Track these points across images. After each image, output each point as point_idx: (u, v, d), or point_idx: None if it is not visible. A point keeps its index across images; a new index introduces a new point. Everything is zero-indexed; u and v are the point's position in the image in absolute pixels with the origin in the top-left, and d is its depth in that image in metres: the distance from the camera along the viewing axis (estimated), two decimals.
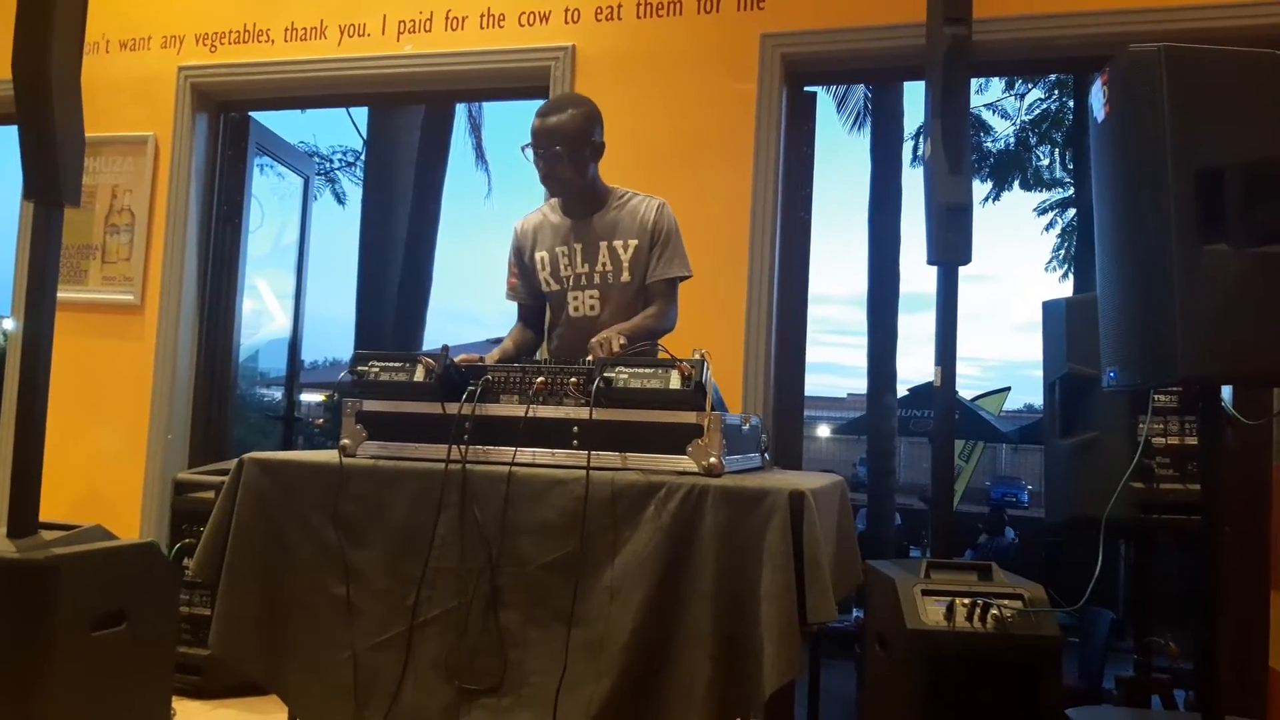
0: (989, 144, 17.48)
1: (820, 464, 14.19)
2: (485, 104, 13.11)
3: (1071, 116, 15.34)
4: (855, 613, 5.69)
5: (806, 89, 3.78)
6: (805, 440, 4.26)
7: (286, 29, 4.12)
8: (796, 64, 3.61)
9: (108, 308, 4.23)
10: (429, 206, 10.64)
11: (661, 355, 2.12)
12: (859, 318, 12.57)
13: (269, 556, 2.12)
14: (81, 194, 2.56)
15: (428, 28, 3.96)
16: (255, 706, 3.30)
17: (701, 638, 1.81)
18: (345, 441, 2.15)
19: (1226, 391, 2.34)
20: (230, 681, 3.33)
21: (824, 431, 25.39)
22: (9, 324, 4.98)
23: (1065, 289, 17.25)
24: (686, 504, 1.85)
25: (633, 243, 2.63)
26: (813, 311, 3.77)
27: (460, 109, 12.45)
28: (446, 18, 3.93)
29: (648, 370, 1.92)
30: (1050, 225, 18.73)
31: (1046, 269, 18.86)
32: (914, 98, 18.65)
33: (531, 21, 3.82)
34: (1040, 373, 3.09)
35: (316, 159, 16.16)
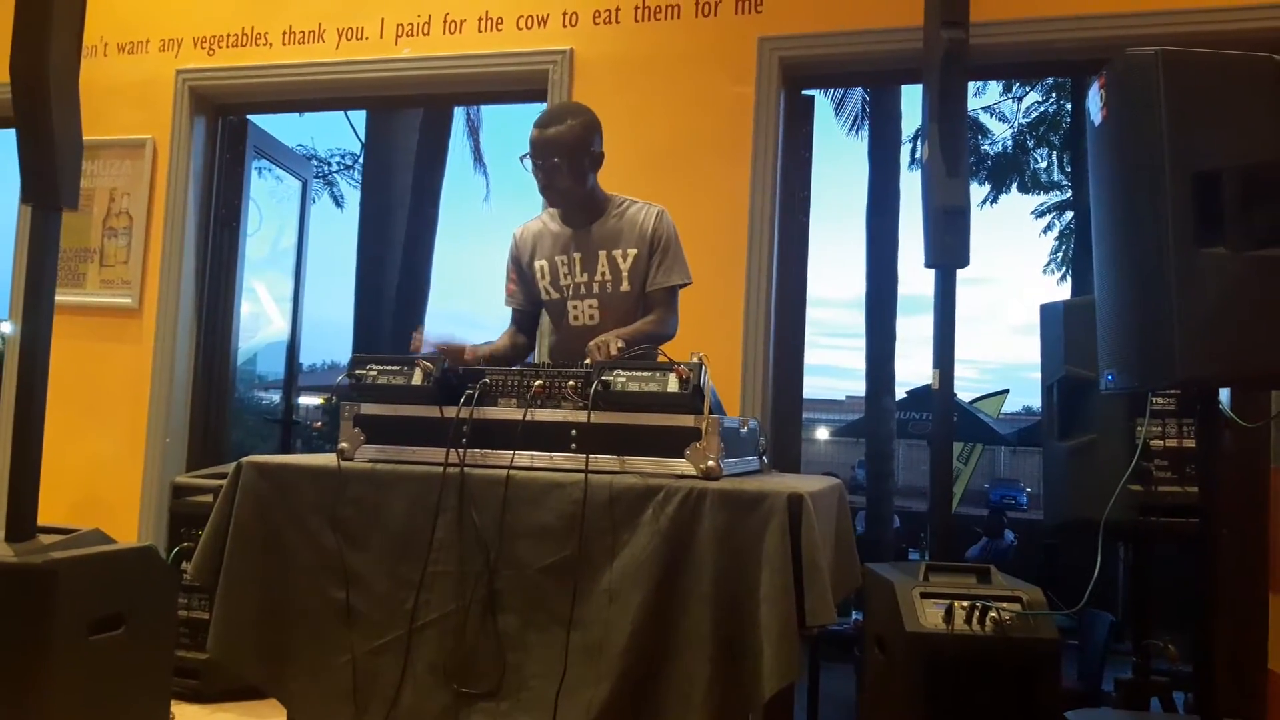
0: (987, 147, 17.51)
1: (819, 466, 14.21)
2: (483, 107, 13.11)
3: (1069, 119, 15.37)
4: (854, 615, 5.69)
5: (804, 92, 3.78)
6: (804, 443, 4.26)
7: (284, 32, 4.13)
8: (794, 67, 3.62)
9: (105, 311, 4.22)
10: (427, 210, 10.64)
11: (659, 358, 2.12)
12: (857, 320, 12.62)
13: (267, 560, 2.12)
14: (79, 197, 2.56)
15: (426, 31, 3.96)
16: (253, 710, 3.30)
17: (700, 641, 1.81)
18: (343, 445, 2.15)
19: (1224, 394, 2.34)
20: (228, 685, 3.32)
21: (822, 434, 25.40)
22: (7, 327, 4.97)
23: (1063, 292, 17.29)
24: (685, 507, 1.85)
25: (632, 252, 2.63)
26: (811, 314, 3.78)
27: (458, 112, 12.44)
28: (444, 21, 3.93)
29: (646, 373, 1.92)
30: (1048, 228, 18.79)
31: (1044, 272, 18.91)
32: (912, 101, 18.68)
33: (529, 25, 3.83)
34: (1038, 375, 3.09)
35: (314, 162, 16.15)
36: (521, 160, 2.58)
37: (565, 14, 3.78)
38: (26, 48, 2.41)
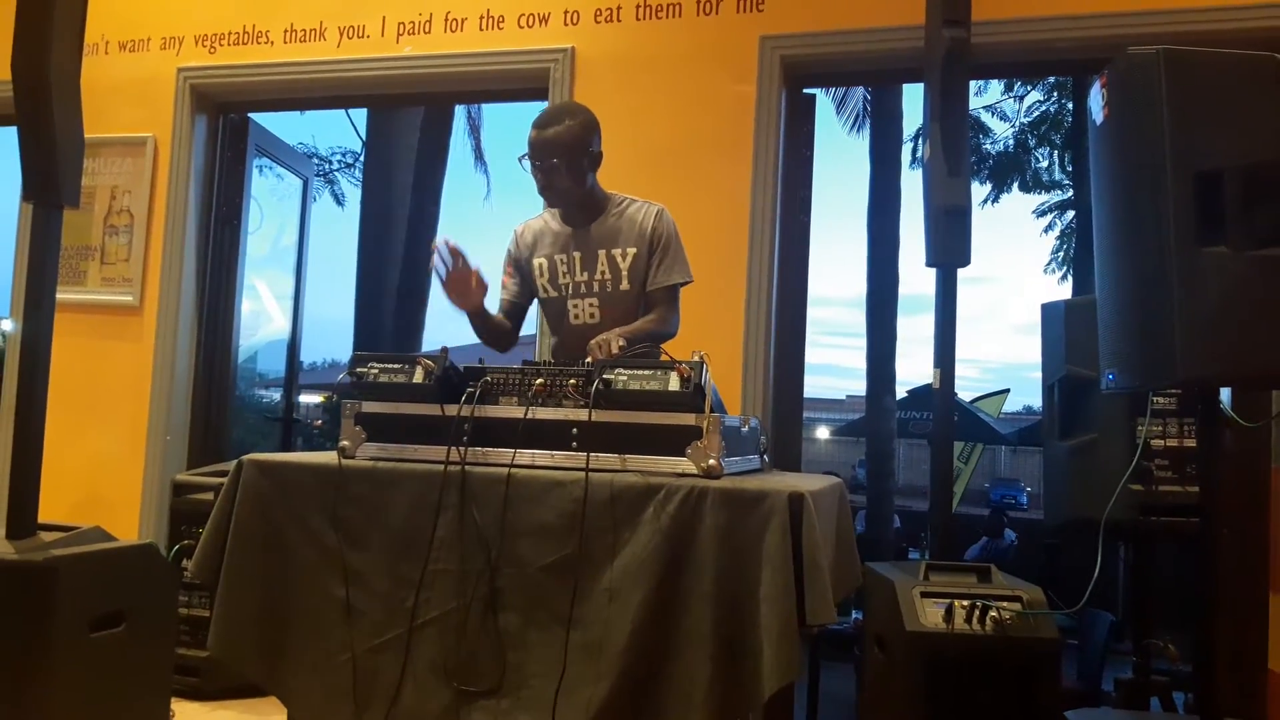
0: (988, 146, 17.50)
1: (819, 466, 14.21)
2: (484, 106, 13.11)
3: (1070, 119, 15.37)
4: (854, 615, 5.69)
5: (806, 91, 3.78)
6: (804, 442, 4.26)
7: (286, 30, 4.13)
8: (796, 66, 3.62)
9: (107, 309, 4.23)
10: (428, 208, 10.65)
11: (661, 357, 2.12)
12: (858, 319, 12.59)
13: (268, 558, 2.12)
14: (80, 195, 2.56)
15: (427, 29, 3.96)
16: (254, 708, 3.30)
17: (701, 640, 1.81)
18: (344, 443, 2.15)
19: (1225, 394, 2.34)
20: (229, 683, 3.33)
21: (823, 433, 25.40)
22: (8, 325, 4.98)
23: (1064, 291, 17.29)
24: (685, 506, 1.85)
25: (631, 250, 2.63)
26: (812, 313, 3.78)
27: (459, 110, 12.45)
28: (446, 19, 3.93)
29: (647, 372, 1.92)
30: (1049, 227, 18.78)
31: (1045, 271, 18.90)
32: (913, 100, 18.69)
33: (531, 23, 3.83)
34: (1039, 375, 3.09)
35: (315, 160, 16.16)
36: (520, 161, 2.58)
37: (566, 12, 3.78)
38: (28, 46, 2.41)
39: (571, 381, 2.00)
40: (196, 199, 4.26)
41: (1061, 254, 18.14)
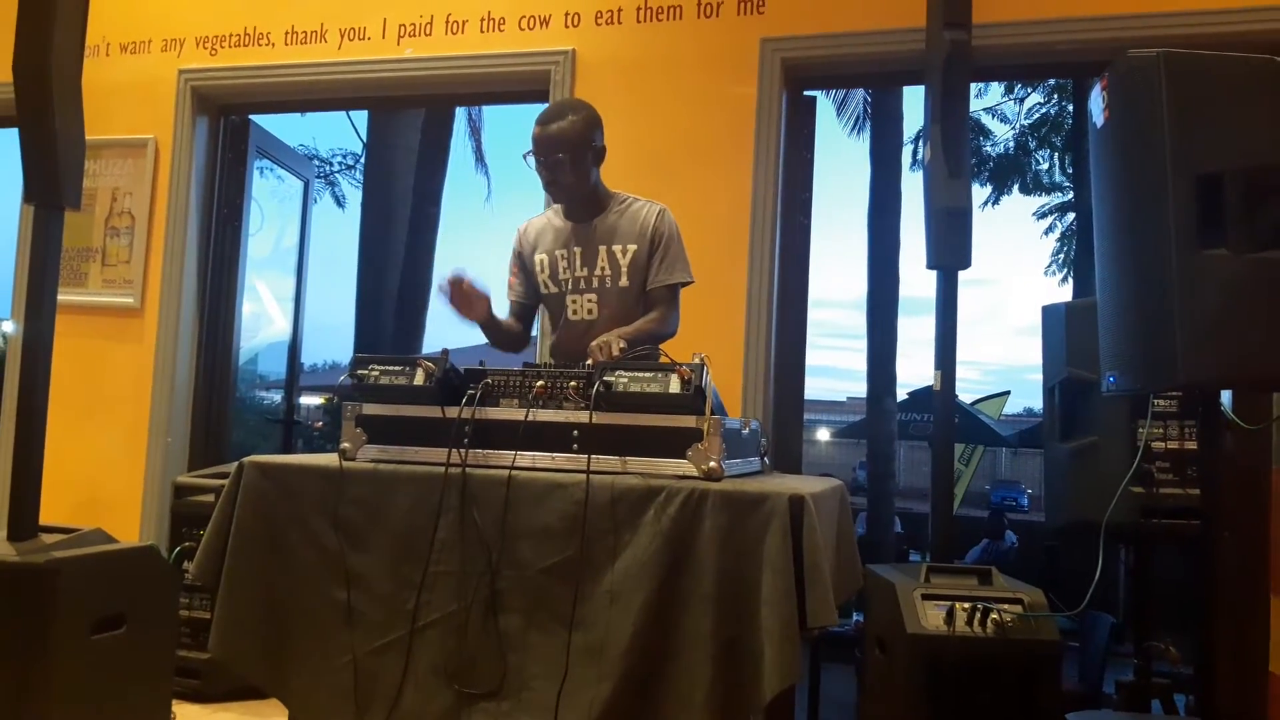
0: (988, 148, 17.50)
1: (820, 467, 14.20)
2: (485, 108, 13.11)
3: (1071, 120, 15.37)
4: (855, 617, 5.69)
5: (806, 93, 3.78)
6: (805, 444, 4.26)
7: (287, 32, 4.13)
8: (796, 68, 3.62)
9: (108, 310, 4.23)
10: (429, 209, 10.65)
11: (661, 359, 2.12)
12: (859, 321, 12.60)
13: (269, 560, 2.12)
14: (82, 197, 2.56)
15: (428, 31, 3.96)
16: (255, 710, 3.30)
17: (701, 642, 1.81)
18: (345, 445, 2.15)
19: (1226, 396, 2.34)
20: (230, 685, 3.33)
21: (823, 435, 25.40)
22: (9, 326, 4.98)
23: (1065, 293, 17.27)
24: (686, 508, 1.85)
25: (631, 248, 2.63)
26: (812, 315, 3.78)
27: (460, 112, 12.45)
28: (447, 21, 3.94)
29: (647, 374, 1.92)
30: (1050, 229, 18.78)
31: (1046, 273, 18.90)
32: (914, 101, 18.71)
33: (532, 25, 3.83)
34: (1040, 377, 3.09)
35: (316, 162, 16.16)
36: (525, 158, 2.58)
37: (567, 14, 3.78)
38: (29, 47, 2.41)
39: (572, 384, 2.00)
40: (197, 201, 4.26)
41: (1062, 256, 18.15)
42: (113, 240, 4.25)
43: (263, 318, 5.24)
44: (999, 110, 17.56)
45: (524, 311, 2.85)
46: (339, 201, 17.57)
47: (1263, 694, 2.94)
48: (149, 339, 4.18)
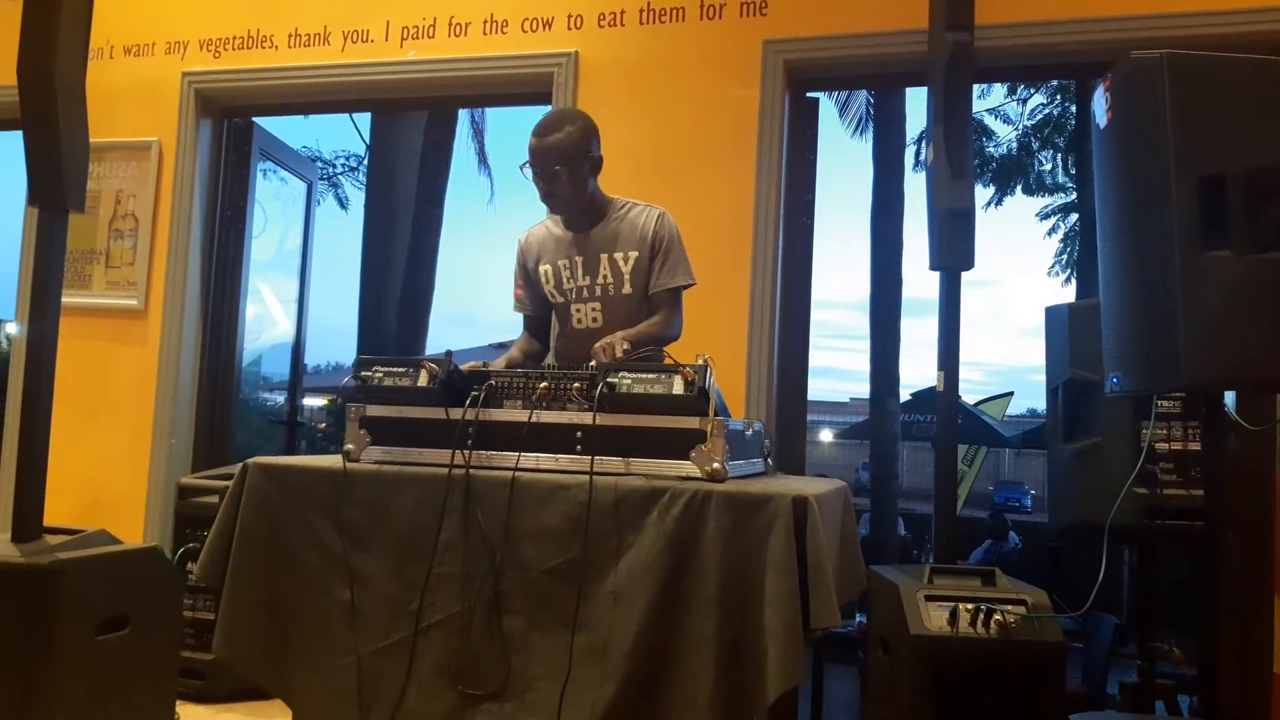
0: (991, 149, 17.48)
1: (823, 468, 14.19)
2: (488, 109, 13.13)
3: (1074, 121, 15.35)
4: (858, 618, 5.68)
5: (809, 94, 3.79)
6: (808, 445, 4.26)
7: (290, 35, 4.14)
8: (799, 70, 3.62)
9: (111, 312, 4.23)
10: (431, 211, 10.66)
11: (665, 361, 2.12)
12: (861, 322, 12.59)
13: (273, 561, 2.12)
14: (86, 199, 2.57)
15: (431, 34, 3.97)
16: (259, 711, 3.31)
17: (705, 643, 1.81)
18: (349, 446, 2.16)
19: (1230, 397, 2.34)
20: (234, 686, 3.33)
21: (827, 436, 25.39)
22: (13, 328, 4.99)
23: (1068, 294, 17.24)
24: (690, 509, 1.85)
25: (633, 254, 2.63)
26: (815, 316, 3.78)
27: (463, 114, 12.47)
28: (450, 24, 3.94)
29: (651, 375, 1.92)
30: (1053, 230, 18.76)
31: (1049, 274, 18.86)
32: (916, 102, 18.68)
33: (534, 28, 3.83)
34: (1043, 378, 3.09)
35: (320, 164, 16.16)
36: (522, 169, 2.58)
37: (570, 16, 3.78)
38: (34, 51, 2.42)
39: (576, 385, 2.00)
40: (201, 203, 4.27)
41: (1065, 257, 18.13)
42: (116, 242, 4.26)
43: (266, 319, 5.25)
44: (1002, 111, 17.57)
45: (537, 325, 2.85)
46: (342, 203, 17.61)
47: (1266, 695, 2.94)
48: (153, 341, 4.19)
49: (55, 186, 2.45)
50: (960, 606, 1.93)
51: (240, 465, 2.19)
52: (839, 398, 30.10)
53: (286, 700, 2.15)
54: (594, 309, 2.68)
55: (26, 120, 2.45)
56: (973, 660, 1.90)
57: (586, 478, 1.91)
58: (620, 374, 1.94)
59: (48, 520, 2.45)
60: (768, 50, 3.55)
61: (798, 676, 1.75)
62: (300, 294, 5.06)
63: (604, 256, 2.65)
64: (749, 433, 2.19)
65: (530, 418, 2.01)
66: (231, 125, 4.42)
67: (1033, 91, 16.55)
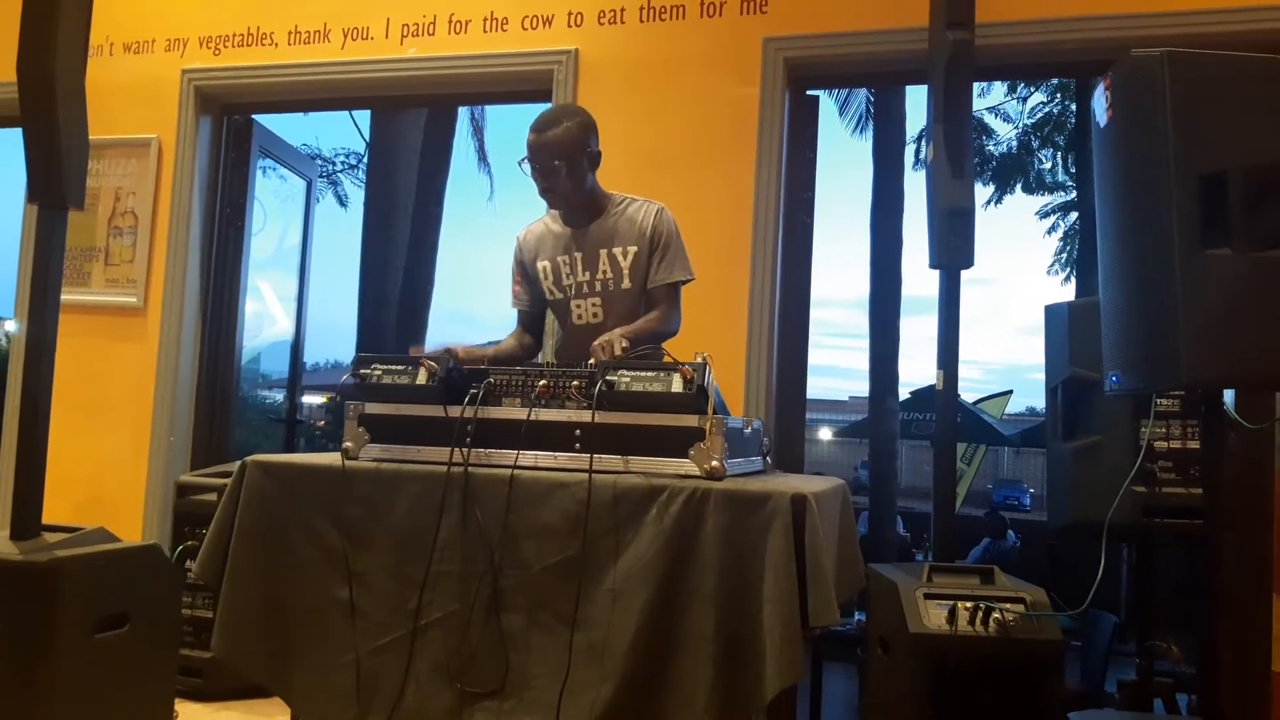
0: (991, 147, 17.49)
1: (822, 467, 14.19)
2: (488, 107, 13.12)
3: (1074, 120, 15.35)
4: (857, 616, 5.68)
5: (809, 92, 3.78)
6: (807, 443, 4.26)
7: (290, 32, 4.13)
8: (799, 68, 3.62)
9: (111, 310, 4.23)
10: (431, 209, 10.65)
11: (664, 359, 2.12)
12: (861, 321, 12.59)
13: (272, 559, 2.12)
14: (85, 196, 2.56)
15: (431, 31, 3.96)
16: (257, 709, 3.30)
17: (703, 641, 1.81)
18: (348, 444, 2.16)
19: (1229, 395, 2.34)
20: (232, 684, 3.33)
21: (825, 434, 25.37)
22: (12, 326, 4.99)
23: (1067, 292, 17.28)
24: (688, 507, 1.86)
25: (632, 249, 2.63)
26: (814, 314, 3.78)
27: (462, 112, 12.46)
28: (450, 21, 3.94)
29: (650, 373, 1.93)
30: (1052, 229, 18.78)
31: (1049, 272, 18.88)
32: (916, 101, 18.66)
33: (534, 25, 3.83)
34: (1042, 376, 3.09)
35: (319, 161, 16.17)
36: (521, 165, 2.58)
37: (570, 14, 3.78)
38: (33, 48, 2.42)
39: (574, 383, 2.00)
40: (200, 200, 4.26)
41: (1065, 255, 18.15)
42: (116, 240, 4.26)
43: (265, 317, 5.25)
44: (1002, 109, 17.58)
45: (532, 321, 2.85)
46: (342, 201, 17.62)
47: (1265, 693, 2.94)
48: (152, 338, 4.18)
49: (54, 184, 2.45)
50: (959, 605, 1.94)
51: (239, 463, 2.19)
52: (838, 396, 30.12)
53: (285, 698, 2.15)
54: (594, 304, 2.68)
55: (26, 117, 2.45)
56: (972, 659, 1.90)
57: (585, 475, 1.91)
58: (619, 372, 1.94)
59: (46, 518, 2.45)
60: (768, 48, 3.55)
61: (796, 675, 1.75)
62: (299, 291, 5.06)
63: (603, 252, 2.65)
64: (748, 431, 2.19)
65: (529, 416, 2.01)
66: (231, 122, 4.41)
67: (1033, 90, 16.55)
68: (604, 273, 2.65)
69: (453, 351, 2.31)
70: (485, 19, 3.89)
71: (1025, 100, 17.08)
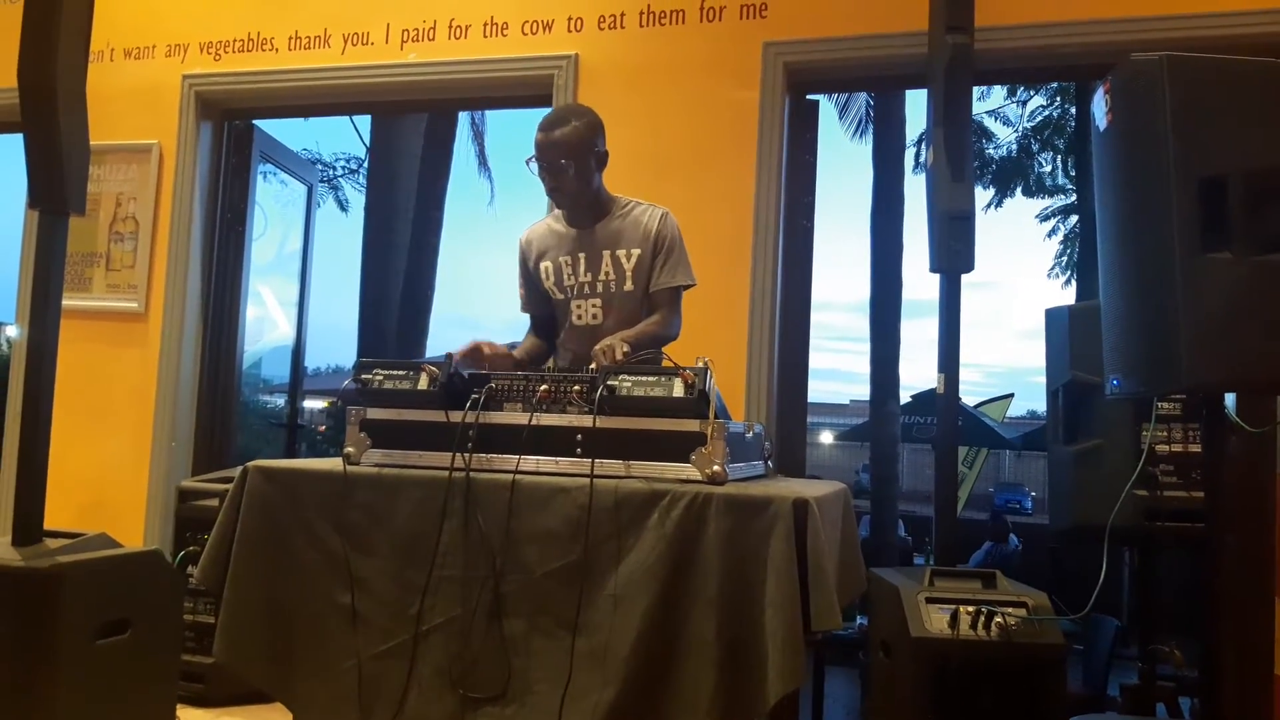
0: (991, 151, 17.48)
1: (823, 470, 14.18)
2: (488, 111, 13.13)
3: (1073, 123, 15.35)
4: (859, 620, 5.68)
5: (809, 97, 3.79)
6: (808, 447, 4.26)
7: (290, 38, 4.14)
8: (799, 72, 3.62)
9: (112, 315, 4.24)
10: (432, 213, 10.66)
11: (665, 363, 2.12)
12: (862, 324, 12.58)
13: (273, 564, 2.12)
14: (86, 202, 2.57)
15: (431, 36, 3.97)
16: (259, 715, 3.30)
17: (705, 646, 1.81)
18: (349, 449, 2.16)
19: (1230, 399, 2.34)
20: (234, 690, 3.32)
21: (827, 438, 25.37)
22: (13, 331, 4.99)
23: (1068, 296, 17.24)
24: (690, 512, 1.85)
25: (635, 252, 2.64)
26: (815, 318, 3.78)
27: (463, 116, 12.47)
28: (450, 26, 3.95)
29: (651, 378, 1.92)
30: (1053, 232, 18.76)
31: (1049, 276, 18.87)
32: (916, 104, 18.67)
33: (534, 30, 3.84)
34: (1043, 379, 3.09)
35: (320, 166, 16.16)
36: (528, 164, 2.59)
37: (570, 19, 3.79)
38: (34, 54, 2.42)
39: (576, 388, 2.00)
40: (201, 205, 4.27)
41: (1065, 259, 18.13)
42: (117, 245, 4.26)
43: (266, 322, 5.25)
44: (1001, 113, 17.58)
45: (544, 324, 2.85)
46: (342, 206, 17.59)
47: (1267, 697, 2.93)
48: (153, 344, 4.19)
49: (55, 189, 2.45)
50: (961, 609, 1.93)
51: (240, 468, 2.19)
52: (839, 400, 30.11)
53: (287, 704, 2.14)
54: (595, 305, 2.68)
55: (27, 123, 2.45)
56: (973, 662, 1.90)
57: (587, 481, 1.91)
58: (620, 377, 1.94)
59: (48, 523, 2.45)
60: (768, 52, 3.56)
61: (798, 679, 1.74)
62: (300, 296, 5.07)
63: (606, 253, 2.66)
64: (749, 435, 2.19)
65: (530, 421, 2.01)
66: (232, 128, 4.42)
67: (1033, 93, 16.56)
68: (606, 274, 2.66)
69: (483, 346, 2.37)
70: (485, 24, 3.90)
71: (1025, 104, 17.10)
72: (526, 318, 2.87)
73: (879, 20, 3.43)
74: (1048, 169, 17.85)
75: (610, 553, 1.90)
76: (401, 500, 2.05)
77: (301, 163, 5.35)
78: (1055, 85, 15.34)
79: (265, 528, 2.13)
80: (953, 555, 2.33)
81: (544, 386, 2.02)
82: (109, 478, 4.15)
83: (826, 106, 13.32)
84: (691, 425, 1.92)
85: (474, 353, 2.38)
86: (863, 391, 12.73)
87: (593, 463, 1.93)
